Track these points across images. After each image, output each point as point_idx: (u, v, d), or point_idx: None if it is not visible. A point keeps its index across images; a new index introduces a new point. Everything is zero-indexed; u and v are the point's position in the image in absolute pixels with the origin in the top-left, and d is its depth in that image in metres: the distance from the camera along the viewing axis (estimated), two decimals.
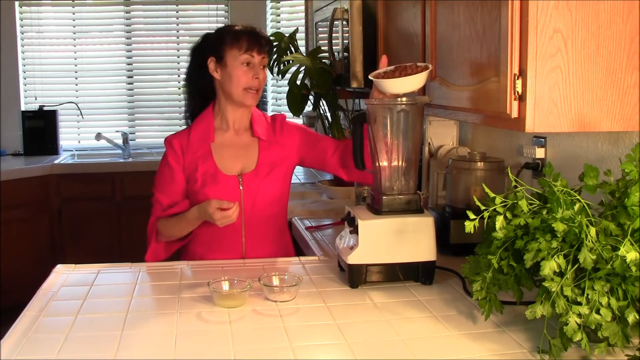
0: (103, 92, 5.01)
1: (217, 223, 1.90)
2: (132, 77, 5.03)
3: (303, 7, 3.83)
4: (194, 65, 2.12)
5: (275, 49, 3.15)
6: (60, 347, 1.35)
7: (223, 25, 2.27)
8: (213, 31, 2.12)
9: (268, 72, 3.22)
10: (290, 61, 3.05)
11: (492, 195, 1.36)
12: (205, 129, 2.09)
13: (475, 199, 1.39)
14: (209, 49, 2.06)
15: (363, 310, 1.57)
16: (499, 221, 1.33)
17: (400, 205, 1.74)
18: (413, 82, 1.71)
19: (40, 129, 4.70)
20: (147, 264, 1.95)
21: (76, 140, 5.01)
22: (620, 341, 1.20)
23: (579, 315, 1.21)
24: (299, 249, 2.35)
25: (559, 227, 1.23)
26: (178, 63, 5.08)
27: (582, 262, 1.20)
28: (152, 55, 5.05)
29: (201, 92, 2.12)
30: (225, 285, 1.63)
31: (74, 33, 4.94)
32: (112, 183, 4.42)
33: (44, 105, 4.79)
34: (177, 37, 5.08)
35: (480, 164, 2.02)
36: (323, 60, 2.85)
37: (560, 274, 1.23)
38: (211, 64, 2.05)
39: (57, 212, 4.35)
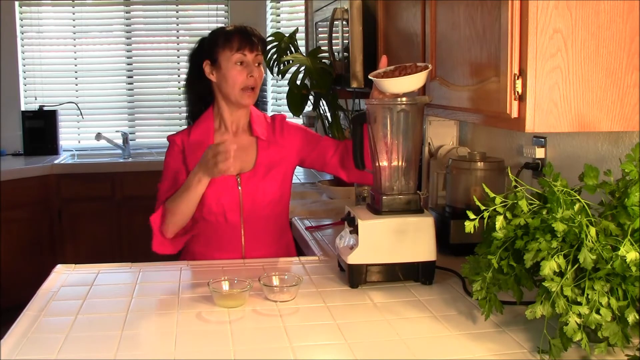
0: (103, 92, 5.01)
1: (216, 168, 1.83)
2: (132, 77, 5.04)
3: (303, 7, 3.83)
4: (191, 71, 2.13)
5: (275, 49, 3.16)
6: (60, 347, 1.35)
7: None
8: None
9: (268, 72, 3.24)
10: (290, 61, 3.05)
11: (492, 195, 1.36)
12: (204, 131, 2.09)
13: (475, 199, 1.39)
14: (204, 53, 2.08)
15: (363, 310, 1.57)
16: (499, 221, 1.33)
17: (400, 205, 1.74)
18: (413, 82, 1.71)
19: (40, 129, 4.70)
20: (147, 263, 1.95)
21: (76, 140, 5.01)
22: (620, 341, 1.20)
23: (579, 315, 1.21)
24: (299, 249, 2.35)
25: (559, 227, 1.23)
26: (178, 63, 5.08)
27: (582, 262, 1.20)
28: (152, 55, 5.05)
29: (200, 97, 2.13)
30: (225, 285, 1.63)
31: (74, 33, 4.95)
32: (112, 183, 4.42)
33: (44, 105, 4.80)
34: (177, 37, 5.08)
35: (480, 164, 2.02)
36: (323, 60, 2.85)
37: (560, 274, 1.23)
38: (207, 67, 2.06)
39: (57, 212, 4.35)
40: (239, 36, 2.02)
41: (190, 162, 2.06)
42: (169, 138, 2.13)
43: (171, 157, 2.10)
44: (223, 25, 2.29)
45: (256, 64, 2.03)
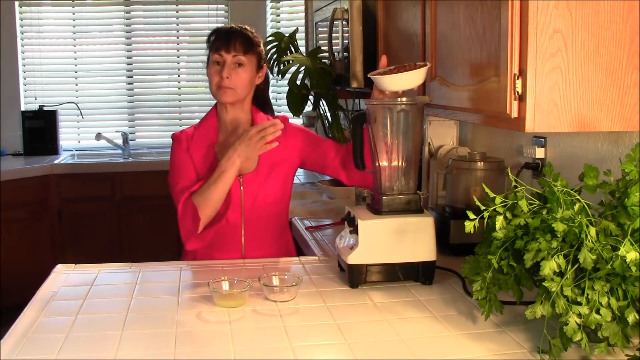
0: (103, 92, 5.01)
1: (257, 146, 1.92)
2: (132, 77, 5.03)
3: (303, 7, 3.83)
4: None
5: (275, 49, 3.16)
6: (60, 347, 1.35)
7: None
8: None
9: (268, 72, 3.24)
10: (290, 61, 3.05)
11: (492, 195, 1.36)
12: (208, 129, 2.10)
13: (475, 199, 1.39)
14: None
15: (363, 310, 1.57)
16: (499, 221, 1.33)
17: (400, 205, 1.74)
18: (412, 78, 1.71)
19: (40, 129, 4.70)
20: (147, 263, 1.95)
21: (76, 140, 5.01)
22: (620, 341, 1.20)
23: (579, 315, 1.21)
24: (299, 249, 2.35)
25: (559, 227, 1.23)
26: (178, 63, 5.08)
27: (582, 262, 1.20)
28: (152, 55, 5.05)
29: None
30: (225, 285, 1.63)
31: (74, 33, 4.94)
32: (112, 183, 4.42)
33: (44, 105, 4.80)
34: (177, 37, 5.08)
35: (480, 164, 2.02)
36: (323, 60, 2.85)
37: (560, 274, 1.23)
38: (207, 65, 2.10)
39: (57, 212, 4.35)
40: (219, 36, 2.05)
41: (195, 158, 2.06)
42: (174, 135, 2.13)
43: (179, 153, 2.09)
44: (224, 25, 2.33)
45: (237, 65, 2.02)
